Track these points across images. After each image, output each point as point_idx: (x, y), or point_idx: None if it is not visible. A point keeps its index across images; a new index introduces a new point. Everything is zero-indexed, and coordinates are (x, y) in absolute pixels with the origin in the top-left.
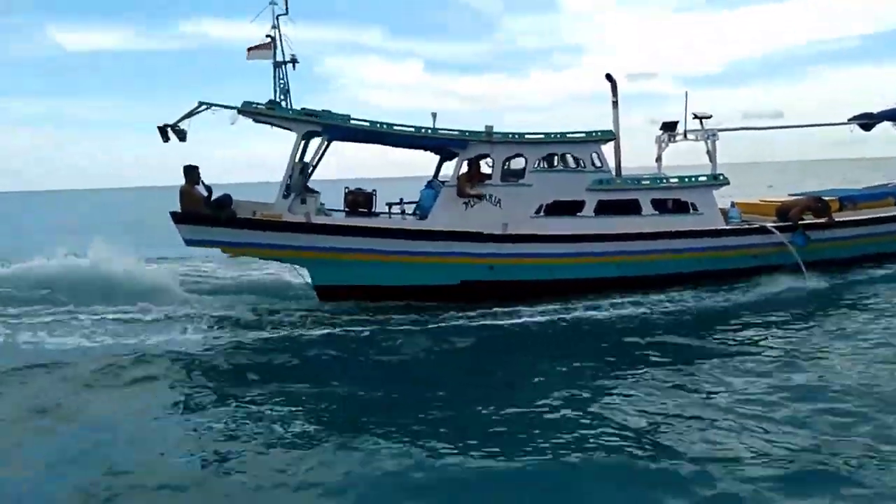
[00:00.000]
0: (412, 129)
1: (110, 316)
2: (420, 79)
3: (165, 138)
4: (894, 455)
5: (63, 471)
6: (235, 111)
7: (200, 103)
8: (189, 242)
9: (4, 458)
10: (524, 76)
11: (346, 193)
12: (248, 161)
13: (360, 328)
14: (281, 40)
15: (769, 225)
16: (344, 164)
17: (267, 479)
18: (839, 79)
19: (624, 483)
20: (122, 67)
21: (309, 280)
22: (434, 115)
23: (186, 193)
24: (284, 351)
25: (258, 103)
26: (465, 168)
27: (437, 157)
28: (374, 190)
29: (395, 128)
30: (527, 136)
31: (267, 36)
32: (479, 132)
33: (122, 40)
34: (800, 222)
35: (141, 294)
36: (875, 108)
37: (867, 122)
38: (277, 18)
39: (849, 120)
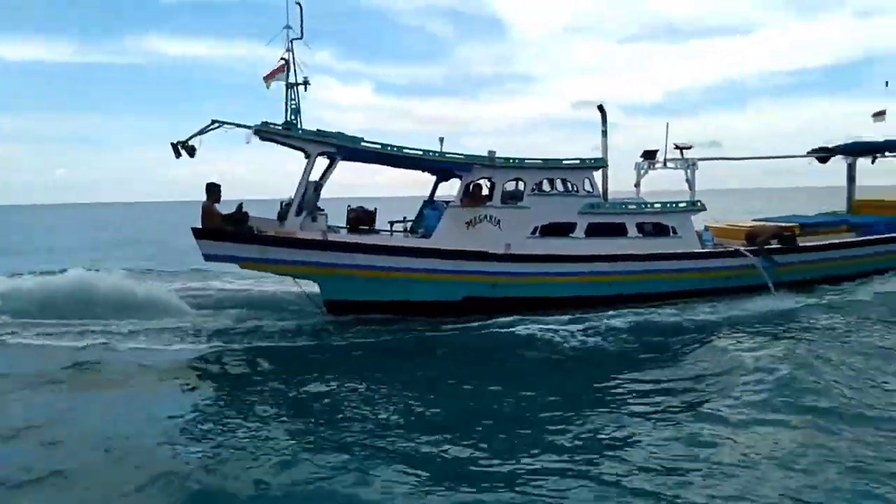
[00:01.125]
0: (420, 152)
1: (113, 329)
2: (373, 100)
3: (177, 154)
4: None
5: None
6: (251, 131)
7: (213, 121)
8: (208, 257)
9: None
10: (476, 100)
11: (348, 211)
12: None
13: (368, 339)
14: (294, 63)
15: (742, 249)
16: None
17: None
18: (779, 110)
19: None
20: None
21: (309, 294)
22: (441, 140)
23: (207, 210)
24: (284, 360)
25: (275, 124)
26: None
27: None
28: (375, 208)
29: (405, 150)
30: (526, 162)
31: (281, 59)
32: (482, 157)
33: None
34: (766, 247)
35: (141, 308)
36: (813, 139)
37: (824, 155)
38: (292, 42)
39: (808, 153)
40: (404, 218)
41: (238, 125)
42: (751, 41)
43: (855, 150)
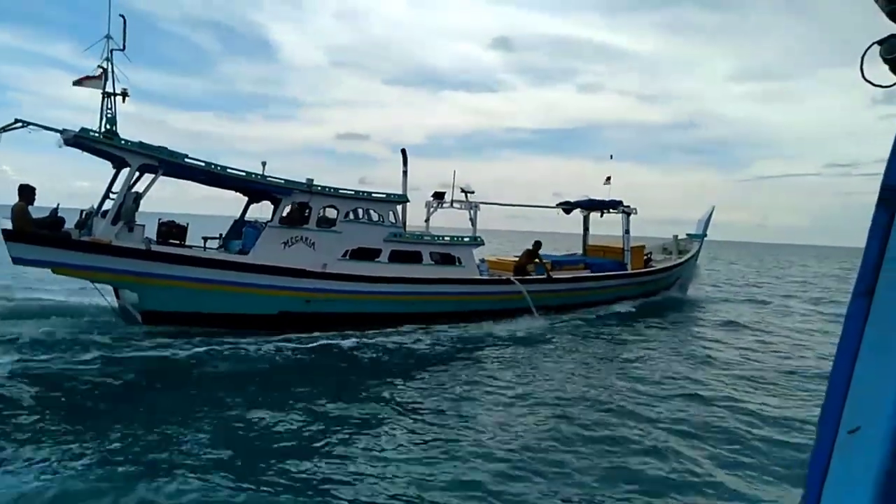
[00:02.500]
0: (244, 173)
1: None
2: (120, 105)
3: None
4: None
5: None
6: (62, 135)
7: (17, 120)
8: (18, 261)
9: None
10: (241, 120)
11: (159, 224)
12: None
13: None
14: (113, 73)
15: (512, 277)
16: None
17: None
18: (521, 162)
19: None
20: None
21: (113, 305)
22: (264, 164)
23: (20, 211)
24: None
25: (94, 131)
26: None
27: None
28: (187, 223)
29: (229, 170)
30: (341, 191)
31: (99, 66)
32: (302, 183)
33: None
34: (543, 264)
35: None
36: (547, 190)
37: (568, 207)
38: (111, 52)
39: (556, 205)
40: (220, 234)
41: (46, 128)
42: (497, 99)
43: (589, 206)
